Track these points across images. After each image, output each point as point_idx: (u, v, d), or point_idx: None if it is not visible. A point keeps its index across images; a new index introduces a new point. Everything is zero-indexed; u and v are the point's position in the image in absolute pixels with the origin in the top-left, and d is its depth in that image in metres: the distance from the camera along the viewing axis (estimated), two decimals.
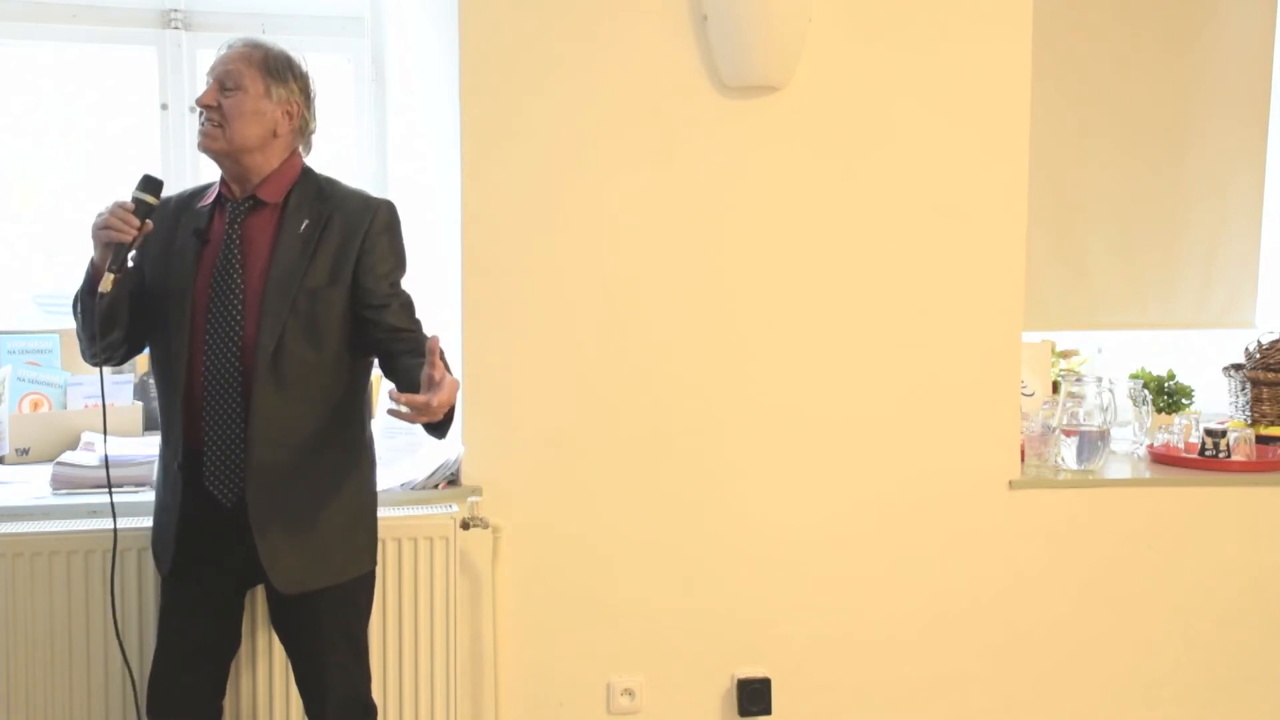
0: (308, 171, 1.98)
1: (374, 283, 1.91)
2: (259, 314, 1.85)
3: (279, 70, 1.92)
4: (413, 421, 1.71)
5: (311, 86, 1.99)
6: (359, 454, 2.00)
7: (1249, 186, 3.10)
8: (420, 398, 1.68)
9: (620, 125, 2.41)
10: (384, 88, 2.88)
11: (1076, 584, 2.64)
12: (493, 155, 2.37)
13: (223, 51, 1.93)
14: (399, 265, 1.97)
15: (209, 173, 2.07)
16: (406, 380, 1.82)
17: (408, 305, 1.96)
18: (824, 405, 2.52)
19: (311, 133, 2.00)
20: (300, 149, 1.98)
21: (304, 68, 1.97)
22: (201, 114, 1.89)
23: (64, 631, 2.08)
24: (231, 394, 1.85)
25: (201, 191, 2.00)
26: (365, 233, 1.92)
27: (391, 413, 1.71)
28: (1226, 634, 2.69)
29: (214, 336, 1.86)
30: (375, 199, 1.98)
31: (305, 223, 1.91)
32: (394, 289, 1.95)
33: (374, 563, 2.03)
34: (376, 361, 1.98)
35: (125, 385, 2.67)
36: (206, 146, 1.90)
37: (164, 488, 1.96)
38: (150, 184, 1.86)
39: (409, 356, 1.86)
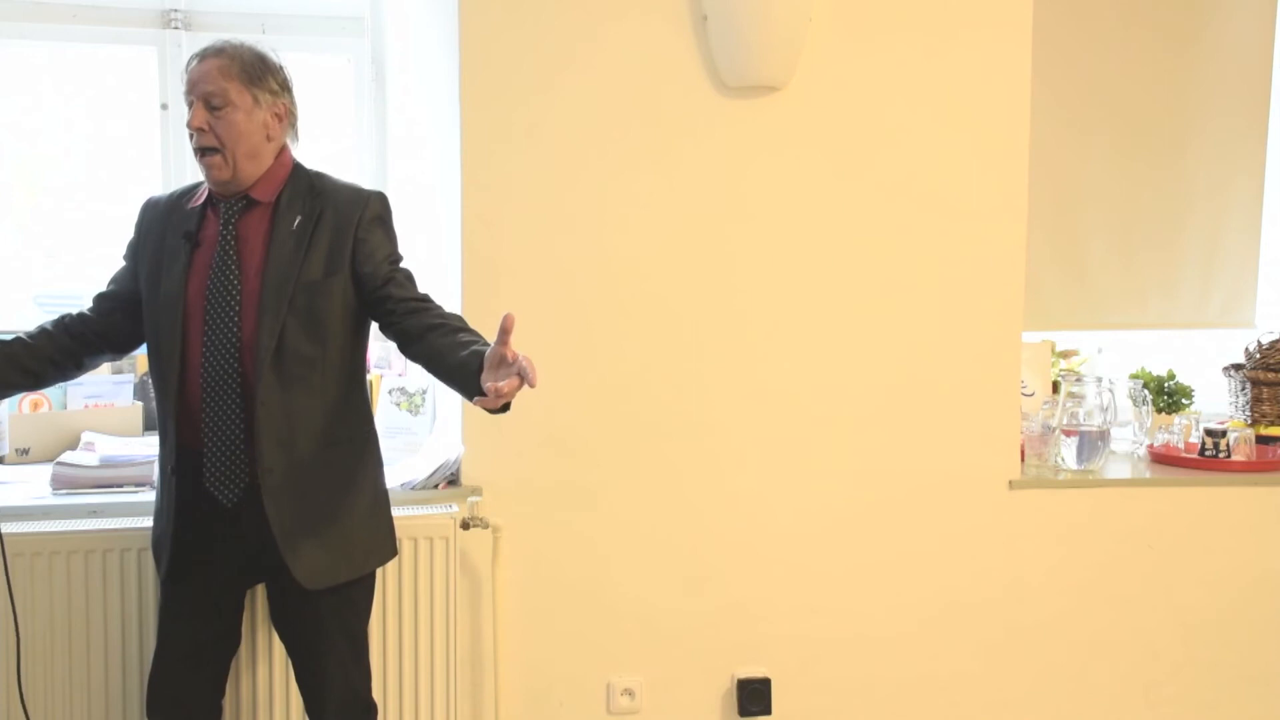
0: (298, 167, 1.97)
1: (374, 267, 1.91)
2: (257, 313, 1.85)
3: (259, 75, 1.89)
4: (494, 409, 1.63)
5: (289, 77, 1.96)
6: (366, 446, 2.00)
7: (1249, 186, 3.10)
8: (506, 385, 1.58)
9: (620, 125, 2.41)
10: (384, 88, 2.88)
11: (1076, 584, 2.64)
12: (493, 155, 2.37)
13: (193, 64, 1.88)
14: (394, 253, 1.97)
15: None
16: (448, 364, 1.76)
17: (410, 277, 1.96)
18: (824, 405, 2.52)
19: (297, 121, 1.98)
20: (289, 141, 1.97)
21: (277, 60, 1.94)
22: (193, 135, 1.86)
23: (64, 631, 2.08)
24: (231, 395, 1.85)
25: (191, 191, 1.99)
26: (358, 224, 1.91)
27: (480, 402, 1.61)
28: (1226, 634, 2.69)
29: (212, 338, 1.85)
30: (366, 190, 1.98)
31: (298, 219, 1.90)
32: (393, 266, 1.94)
33: (394, 552, 2.05)
34: (396, 346, 1.95)
35: (125, 385, 2.67)
36: (214, 178, 1.87)
37: (161, 490, 1.97)
38: None
39: (436, 334, 1.82)
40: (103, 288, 2.03)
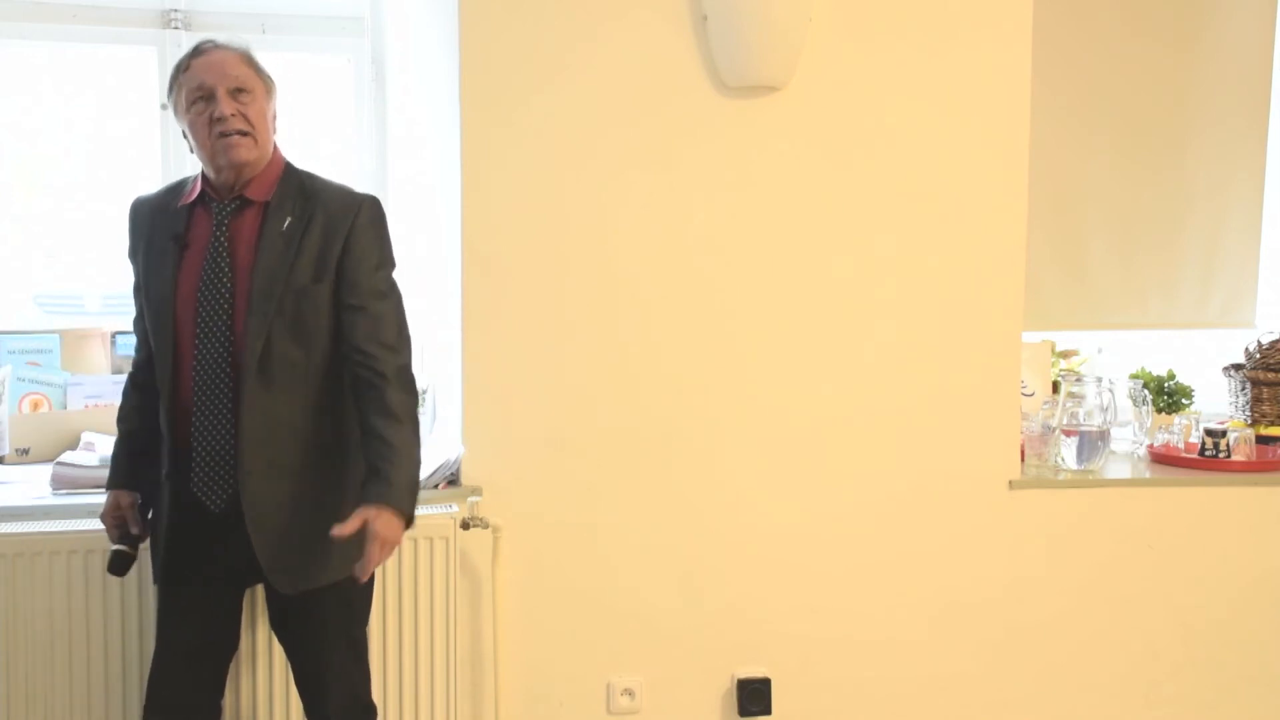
0: (289, 167, 1.96)
1: (361, 275, 1.90)
2: (247, 314, 1.85)
3: (261, 67, 1.93)
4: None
5: None
6: (347, 452, 1.98)
7: (1249, 186, 3.10)
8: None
9: (620, 125, 2.41)
10: (384, 88, 2.88)
11: (1076, 584, 2.64)
12: (493, 155, 2.37)
13: (199, 58, 1.87)
14: (385, 261, 1.95)
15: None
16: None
17: (381, 317, 1.91)
18: (824, 405, 2.52)
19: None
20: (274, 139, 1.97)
21: None
22: (217, 124, 1.83)
23: (64, 631, 2.08)
24: (221, 397, 1.85)
25: (177, 189, 1.97)
26: (350, 228, 1.90)
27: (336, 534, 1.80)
28: (1226, 634, 2.69)
29: (204, 339, 1.85)
30: (359, 194, 1.96)
31: (288, 220, 1.89)
32: (376, 289, 1.91)
33: None
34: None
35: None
36: (242, 158, 1.85)
37: (158, 493, 1.96)
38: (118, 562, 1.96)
39: (362, 436, 1.90)
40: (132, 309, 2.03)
